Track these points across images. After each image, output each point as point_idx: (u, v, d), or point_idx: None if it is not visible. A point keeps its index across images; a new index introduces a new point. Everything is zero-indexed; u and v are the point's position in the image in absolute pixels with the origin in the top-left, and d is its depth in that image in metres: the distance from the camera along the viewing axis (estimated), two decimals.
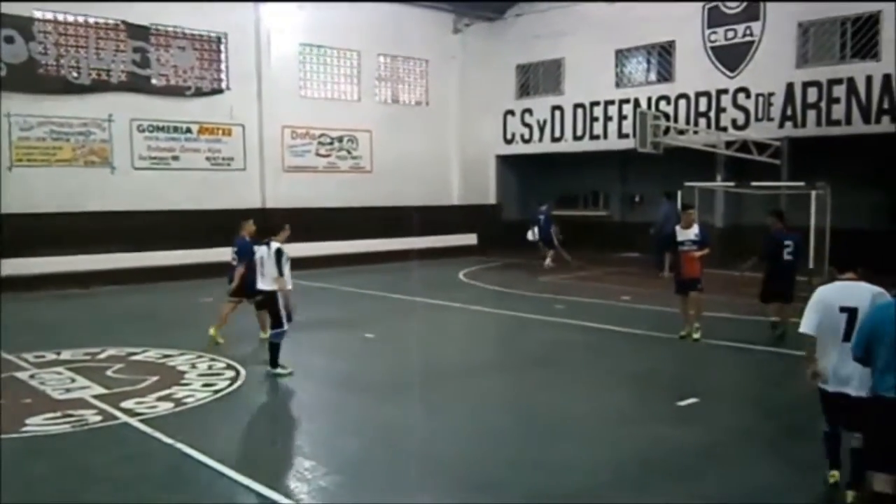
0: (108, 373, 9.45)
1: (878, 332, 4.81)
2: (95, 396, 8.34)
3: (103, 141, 19.40)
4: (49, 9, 18.40)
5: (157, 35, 20.09)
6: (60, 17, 18.66)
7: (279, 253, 9.40)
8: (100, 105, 19.22)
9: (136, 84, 19.82)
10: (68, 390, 8.66)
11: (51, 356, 10.30)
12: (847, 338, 5.33)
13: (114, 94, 19.48)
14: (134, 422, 7.46)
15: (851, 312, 5.36)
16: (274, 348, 9.49)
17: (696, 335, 11.02)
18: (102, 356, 10.37)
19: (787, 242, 11.31)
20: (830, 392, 5.51)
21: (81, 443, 6.99)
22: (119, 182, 19.52)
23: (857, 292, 5.44)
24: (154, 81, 20.15)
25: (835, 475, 5.73)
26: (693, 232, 11.03)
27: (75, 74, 18.95)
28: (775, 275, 11.25)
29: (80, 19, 18.93)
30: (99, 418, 7.59)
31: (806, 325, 5.57)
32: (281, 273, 9.31)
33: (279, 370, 9.43)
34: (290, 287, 9.49)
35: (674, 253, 11.32)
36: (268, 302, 9.60)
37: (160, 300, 16.30)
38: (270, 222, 9.74)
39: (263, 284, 9.59)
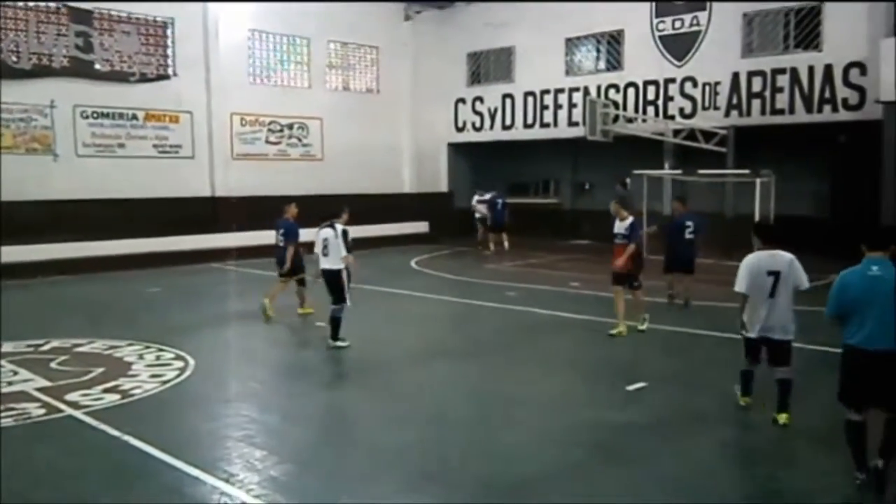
0: (52, 365, 9.25)
1: (861, 297, 5.44)
2: (39, 389, 8.17)
3: (45, 128, 18.95)
4: None
5: (100, 19, 19.67)
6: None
7: (346, 233, 10.18)
8: (41, 91, 18.76)
9: (80, 69, 19.39)
10: (10, 383, 8.45)
11: None
12: (773, 294, 6.82)
13: (56, 79, 19.04)
14: (79, 414, 7.33)
15: (776, 275, 6.82)
16: (335, 322, 10.11)
17: (642, 326, 10.95)
18: (46, 348, 10.15)
19: (687, 223, 13.01)
20: (756, 337, 6.98)
21: (24, 437, 6.83)
22: (62, 170, 19.10)
23: (779, 259, 6.89)
24: (98, 67, 19.73)
25: (746, 399, 7.31)
26: (625, 225, 10.86)
27: (15, 59, 18.43)
28: (678, 250, 12.97)
29: (20, 2, 18.40)
30: (42, 411, 7.43)
31: (739, 286, 6.99)
32: (349, 250, 10.14)
33: (339, 343, 10.11)
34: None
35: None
36: (333, 279, 10.14)
37: (106, 290, 15.98)
38: (333, 208, 10.55)
39: (327, 264, 10.16)
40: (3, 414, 7.31)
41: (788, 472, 6.00)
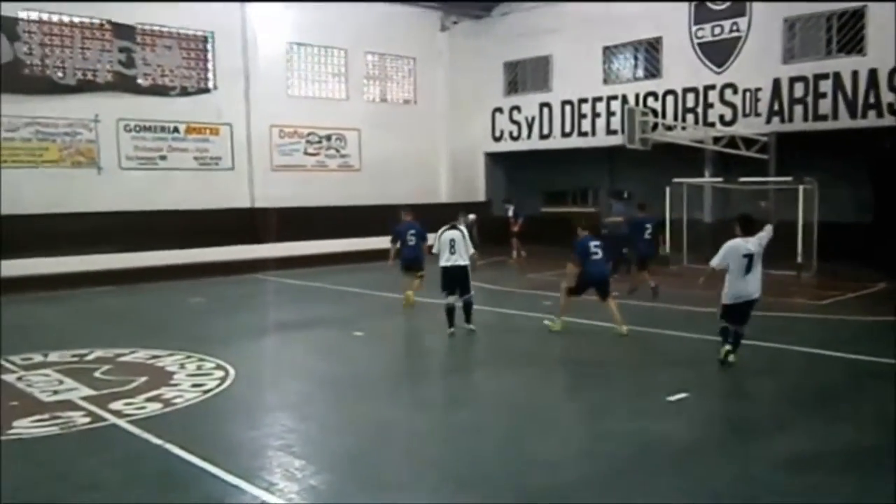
0: (97, 374, 9.39)
1: None
2: (83, 398, 8.29)
3: (90, 141, 19.33)
4: (36, 8, 18.32)
5: (142, 34, 20.03)
6: (45, 17, 18.57)
7: (467, 234, 11.74)
8: (86, 105, 19.14)
9: (123, 84, 19.75)
10: (56, 392, 8.60)
11: (38, 358, 10.24)
12: (748, 271, 8.84)
13: (100, 94, 19.42)
14: (122, 423, 7.41)
15: (750, 257, 8.85)
16: (469, 308, 11.62)
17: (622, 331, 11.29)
18: (90, 357, 10.31)
19: (647, 225, 15.32)
20: (735, 304, 8.98)
21: (69, 445, 6.94)
22: (106, 182, 19.45)
23: (752, 244, 8.91)
24: (140, 81, 20.08)
25: (727, 349, 9.13)
26: None
27: (61, 74, 18.86)
28: (639, 249, 15.23)
29: (66, 19, 18.84)
30: (87, 420, 7.54)
31: (715, 262, 9.01)
32: (475, 247, 11.81)
33: (473, 326, 11.66)
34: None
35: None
36: (462, 274, 11.49)
37: (148, 301, 16.22)
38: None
39: (457, 261, 11.48)
40: (49, 422, 7.44)
41: (835, 482, 5.86)
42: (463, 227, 11.73)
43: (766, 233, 9.15)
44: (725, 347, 9.17)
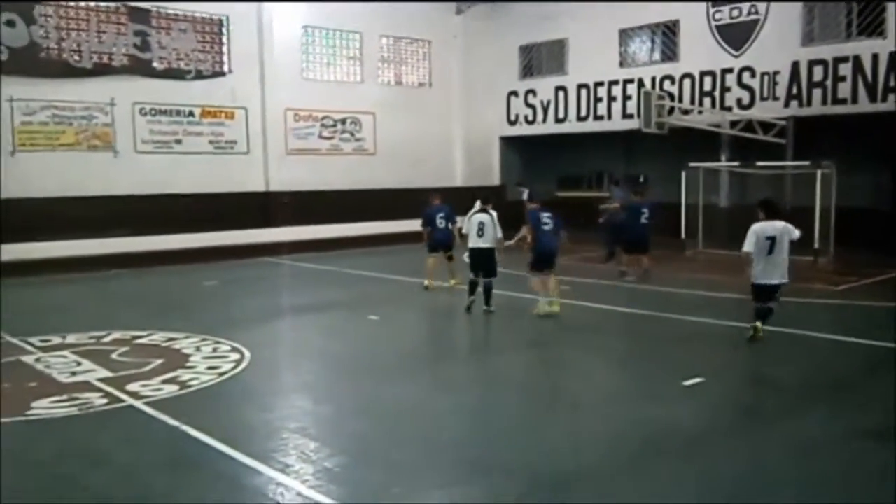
0: (114, 356, 9.47)
1: None
2: (101, 380, 8.36)
3: (106, 125, 19.42)
4: None
5: (158, 18, 20.05)
6: (61, 1, 18.61)
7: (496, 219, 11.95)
8: (102, 88, 19.22)
9: (138, 67, 19.81)
10: (74, 374, 8.68)
11: (56, 340, 10.33)
12: (770, 252, 9.25)
13: (116, 77, 19.49)
14: (139, 404, 7.48)
15: (772, 239, 9.27)
16: (489, 291, 11.84)
17: (551, 308, 11.74)
18: (107, 339, 10.40)
19: (643, 210, 15.03)
20: (761, 284, 9.44)
21: (87, 426, 7.02)
22: (122, 166, 19.55)
23: (776, 227, 9.36)
24: (155, 65, 20.14)
25: (759, 327, 9.49)
26: None
27: (77, 58, 18.92)
28: (635, 234, 14.99)
29: (81, 3, 18.87)
30: (104, 401, 7.61)
31: (747, 247, 9.36)
32: (501, 233, 11.87)
33: (492, 308, 11.82)
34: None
35: None
36: (486, 256, 11.81)
37: (164, 284, 16.34)
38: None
39: (482, 243, 11.81)
40: (67, 403, 7.51)
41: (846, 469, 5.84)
42: (493, 212, 11.91)
43: (796, 231, 9.52)
44: (757, 326, 9.53)
